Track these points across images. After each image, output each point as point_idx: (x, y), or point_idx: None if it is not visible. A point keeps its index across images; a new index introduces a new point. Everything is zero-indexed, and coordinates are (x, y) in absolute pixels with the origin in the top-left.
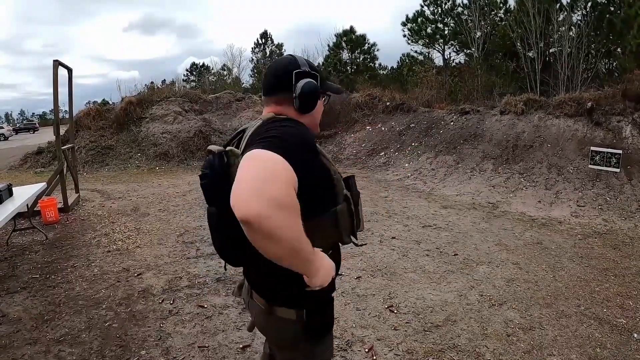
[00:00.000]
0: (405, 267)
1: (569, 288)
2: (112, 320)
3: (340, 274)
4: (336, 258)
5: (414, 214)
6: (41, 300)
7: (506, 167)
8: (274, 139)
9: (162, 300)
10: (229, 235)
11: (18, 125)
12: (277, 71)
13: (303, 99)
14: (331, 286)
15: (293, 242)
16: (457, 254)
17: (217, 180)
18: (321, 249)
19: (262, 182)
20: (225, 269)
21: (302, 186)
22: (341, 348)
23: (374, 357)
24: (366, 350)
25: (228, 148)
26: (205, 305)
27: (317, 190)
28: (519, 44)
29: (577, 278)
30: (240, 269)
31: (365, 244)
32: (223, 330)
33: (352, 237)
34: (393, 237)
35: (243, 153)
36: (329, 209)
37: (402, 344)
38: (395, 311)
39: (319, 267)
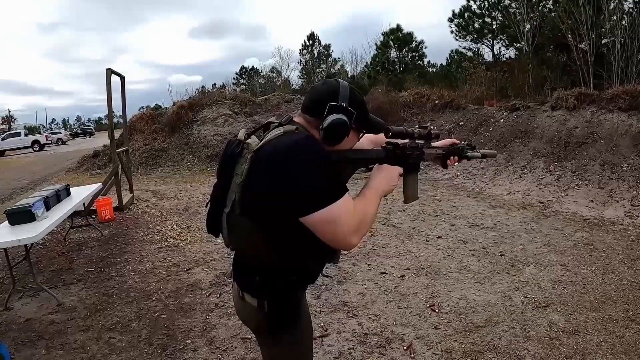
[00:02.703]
0: (450, 266)
1: (619, 292)
2: (161, 311)
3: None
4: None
5: (462, 214)
6: (95, 291)
7: (558, 165)
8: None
9: (209, 294)
10: (221, 210)
11: (75, 130)
12: (316, 96)
13: (327, 134)
14: (297, 285)
15: (371, 215)
16: (503, 254)
17: (226, 162)
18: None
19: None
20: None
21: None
22: (380, 345)
23: (412, 355)
24: (405, 348)
25: (248, 140)
26: None
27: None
28: (569, 35)
29: (628, 282)
30: None
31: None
32: None
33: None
34: (439, 237)
35: (258, 150)
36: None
37: (441, 343)
38: (437, 310)
39: (377, 187)
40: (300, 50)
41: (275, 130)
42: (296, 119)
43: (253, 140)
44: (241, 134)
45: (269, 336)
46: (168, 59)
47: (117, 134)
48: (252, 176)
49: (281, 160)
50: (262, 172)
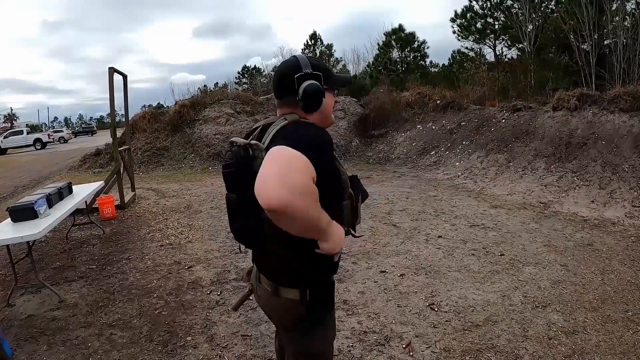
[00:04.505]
0: (449, 265)
1: (618, 292)
2: (162, 308)
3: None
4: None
5: (463, 213)
6: (97, 288)
7: (559, 165)
8: (297, 140)
9: (210, 292)
10: (247, 219)
11: (77, 128)
12: (280, 76)
13: (306, 101)
14: (332, 269)
15: (313, 220)
16: (503, 254)
17: (241, 170)
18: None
19: (284, 173)
20: (240, 250)
21: (317, 182)
22: (379, 343)
23: (411, 353)
24: (404, 346)
25: (253, 142)
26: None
27: (328, 186)
28: (571, 36)
29: (627, 282)
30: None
31: (362, 236)
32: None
33: (351, 229)
34: (439, 236)
35: (267, 148)
36: (336, 203)
37: (440, 342)
38: (436, 309)
39: (333, 235)
40: (302, 49)
41: (279, 123)
42: (282, 112)
43: (257, 141)
44: (238, 140)
45: (305, 326)
46: (171, 58)
47: (119, 132)
48: None
49: (297, 145)
50: None
